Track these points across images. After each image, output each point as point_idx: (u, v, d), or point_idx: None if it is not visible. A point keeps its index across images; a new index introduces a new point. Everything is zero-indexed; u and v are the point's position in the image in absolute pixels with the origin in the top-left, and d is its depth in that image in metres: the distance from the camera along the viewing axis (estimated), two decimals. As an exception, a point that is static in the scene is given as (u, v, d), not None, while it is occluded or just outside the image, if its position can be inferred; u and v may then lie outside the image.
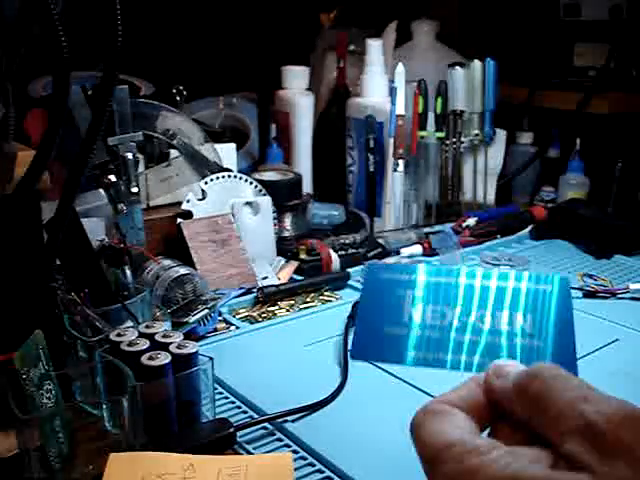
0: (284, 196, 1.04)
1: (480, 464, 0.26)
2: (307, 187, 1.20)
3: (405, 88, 1.12)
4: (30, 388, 0.52)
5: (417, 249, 1.04)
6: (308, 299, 0.89)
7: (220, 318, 0.82)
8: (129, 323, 0.68)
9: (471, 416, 0.30)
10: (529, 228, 1.14)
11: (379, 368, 0.71)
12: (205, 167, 1.01)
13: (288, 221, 1.06)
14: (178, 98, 1.12)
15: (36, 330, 0.55)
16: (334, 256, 0.98)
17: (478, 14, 1.48)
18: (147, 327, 0.63)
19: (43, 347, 0.55)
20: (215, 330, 0.80)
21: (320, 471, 0.55)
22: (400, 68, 1.12)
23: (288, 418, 0.61)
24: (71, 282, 0.70)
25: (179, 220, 0.93)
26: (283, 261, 0.99)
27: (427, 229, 1.13)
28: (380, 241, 1.05)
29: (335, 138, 1.23)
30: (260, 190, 1.01)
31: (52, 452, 0.52)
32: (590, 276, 0.94)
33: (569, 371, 0.29)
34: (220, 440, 0.58)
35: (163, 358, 0.58)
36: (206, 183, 0.98)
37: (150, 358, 0.57)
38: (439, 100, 1.19)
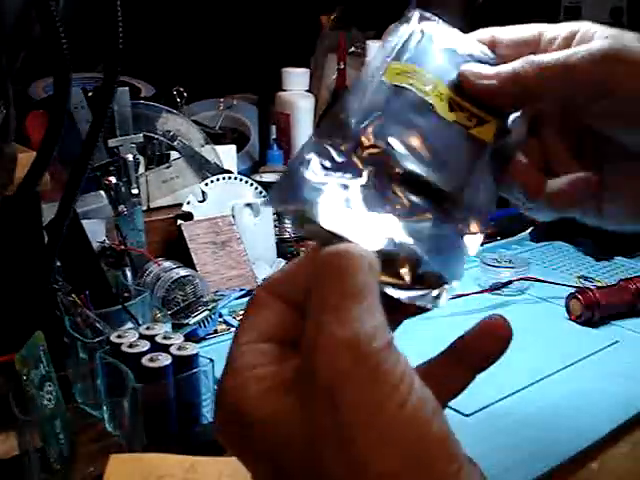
0: (284, 198, 1.04)
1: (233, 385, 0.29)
2: (307, 189, 1.20)
3: (405, 90, 1.12)
4: (31, 389, 0.52)
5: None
6: (308, 300, 0.89)
7: (220, 320, 0.82)
8: (129, 325, 0.68)
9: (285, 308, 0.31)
10: (529, 230, 1.14)
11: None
12: (205, 169, 1.01)
13: (288, 223, 1.06)
14: (178, 100, 1.12)
15: (37, 331, 0.55)
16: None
17: (478, 15, 1.48)
18: (147, 329, 0.63)
19: (44, 348, 0.55)
20: (215, 332, 0.80)
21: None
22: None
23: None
24: (71, 283, 0.70)
25: (179, 222, 0.93)
26: (283, 263, 0.99)
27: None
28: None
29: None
30: (260, 192, 1.01)
31: (52, 453, 0.52)
32: (585, 278, 0.94)
33: None
34: (220, 441, 0.57)
35: (164, 360, 0.58)
36: (206, 185, 0.98)
37: (151, 360, 0.57)
38: (439, 102, 1.19)
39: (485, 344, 0.31)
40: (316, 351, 0.26)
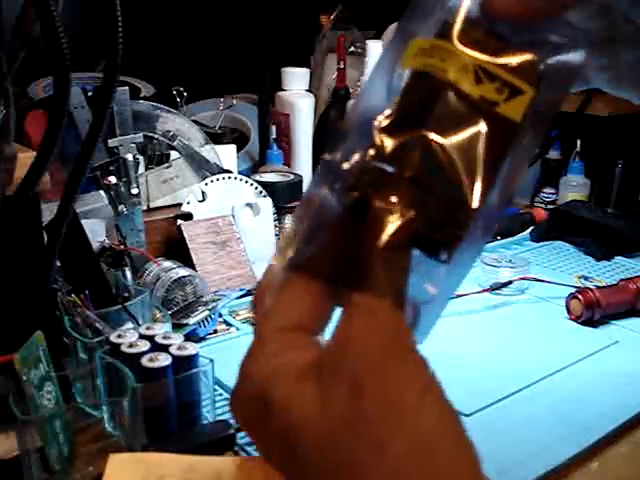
0: (284, 197, 1.04)
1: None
2: (307, 188, 1.20)
3: (405, 90, 1.12)
4: (30, 389, 0.52)
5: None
6: (308, 300, 0.89)
7: (220, 320, 0.82)
8: (129, 325, 0.68)
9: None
10: (529, 230, 1.14)
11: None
12: (205, 168, 1.01)
13: (288, 222, 1.06)
14: (178, 99, 1.12)
15: (37, 331, 0.55)
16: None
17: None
18: (147, 329, 0.63)
19: (44, 348, 0.55)
20: (215, 332, 0.80)
21: (320, 472, 0.55)
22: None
23: (288, 419, 0.61)
24: (71, 283, 0.70)
25: (179, 221, 0.93)
26: (283, 262, 0.99)
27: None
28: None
29: (335, 139, 1.23)
30: (260, 191, 1.01)
31: (52, 453, 0.52)
32: (586, 278, 0.94)
33: None
34: (220, 441, 0.57)
35: (163, 360, 0.58)
36: (206, 184, 0.98)
37: (150, 360, 0.57)
38: (439, 102, 1.18)
39: None
40: (348, 342, 0.28)
